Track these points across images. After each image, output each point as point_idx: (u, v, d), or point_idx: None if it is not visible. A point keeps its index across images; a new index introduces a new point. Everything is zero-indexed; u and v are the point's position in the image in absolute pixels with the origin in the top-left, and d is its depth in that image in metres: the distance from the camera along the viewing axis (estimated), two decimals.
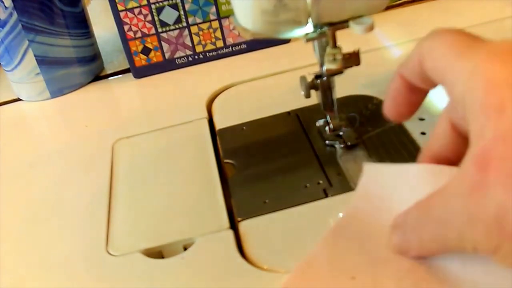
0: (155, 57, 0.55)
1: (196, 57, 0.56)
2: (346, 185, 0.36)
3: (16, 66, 0.54)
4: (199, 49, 0.56)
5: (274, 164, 0.40)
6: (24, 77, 0.55)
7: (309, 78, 0.37)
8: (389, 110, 0.30)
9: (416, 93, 0.28)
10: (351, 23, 0.32)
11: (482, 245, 0.21)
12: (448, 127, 0.28)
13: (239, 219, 0.35)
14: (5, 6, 0.51)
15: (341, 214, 0.31)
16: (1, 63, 0.55)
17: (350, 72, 0.36)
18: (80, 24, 0.56)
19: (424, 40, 0.26)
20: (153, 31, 0.54)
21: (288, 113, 0.44)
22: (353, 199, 0.31)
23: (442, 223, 0.23)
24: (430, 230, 0.24)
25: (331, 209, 0.34)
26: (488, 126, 0.20)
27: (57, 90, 0.56)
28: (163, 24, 0.54)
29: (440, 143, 0.28)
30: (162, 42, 0.55)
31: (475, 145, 0.21)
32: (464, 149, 0.23)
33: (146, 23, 0.54)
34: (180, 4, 0.53)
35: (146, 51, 0.55)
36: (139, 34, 0.54)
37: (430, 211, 0.24)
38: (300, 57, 0.52)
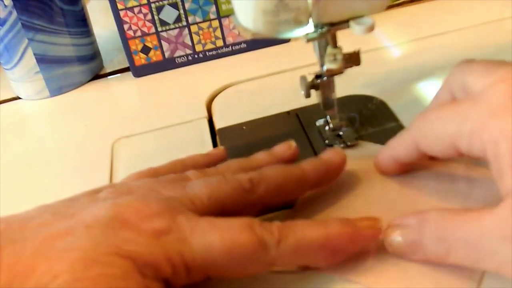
0: (154, 56, 0.55)
1: (196, 56, 0.56)
2: None
3: (15, 65, 0.54)
4: (199, 48, 0.56)
5: None
6: (23, 76, 0.55)
7: (309, 78, 0.37)
8: None
9: None
10: (351, 23, 0.32)
11: None
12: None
13: None
14: (4, 5, 0.51)
15: None
16: (1, 61, 0.55)
17: (350, 72, 0.36)
18: (80, 22, 0.56)
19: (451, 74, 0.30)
20: (153, 30, 0.54)
21: (288, 112, 0.44)
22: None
23: (476, 247, 0.25)
24: (462, 252, 0.26)
25: None
26: None
27: (57, 89, 0.56)
28: (163, 23, 0.54)
29: None
30: (162, 41, 0.55)
31: (509, 197, 0.24)
32: None
33: (146, 22, 0.54)
34: (180, 3, 0.53)
35: (145, 50, 0.55)
36: (138, 33, 0.54)
37: (463, 233, 0.26)
38: (300, 57, 0.52)
